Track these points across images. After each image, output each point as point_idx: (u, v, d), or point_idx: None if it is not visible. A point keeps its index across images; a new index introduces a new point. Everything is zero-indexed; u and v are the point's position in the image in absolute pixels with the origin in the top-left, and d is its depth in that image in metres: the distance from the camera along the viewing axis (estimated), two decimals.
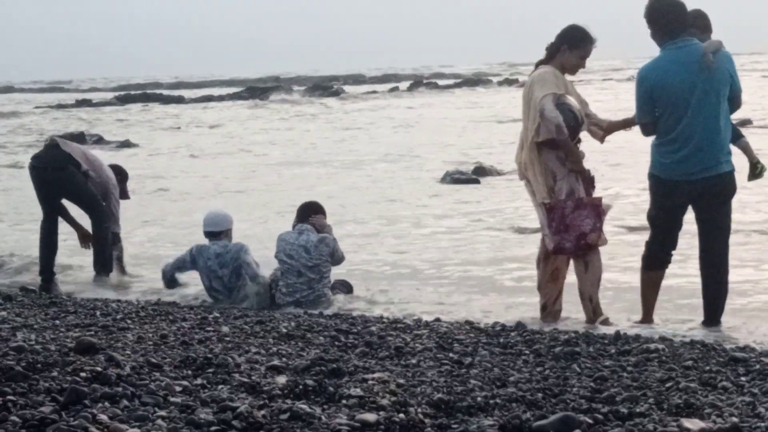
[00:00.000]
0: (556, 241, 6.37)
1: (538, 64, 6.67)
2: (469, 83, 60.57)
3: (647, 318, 6.55)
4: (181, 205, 15.34)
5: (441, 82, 63.54)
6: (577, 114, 6.49)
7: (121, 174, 9.34)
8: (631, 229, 9.70)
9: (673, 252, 6.44)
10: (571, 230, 6.34)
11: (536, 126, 6.35)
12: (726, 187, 6.19)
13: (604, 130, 6.69)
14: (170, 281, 8.31)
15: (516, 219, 12.17)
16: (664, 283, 6.65)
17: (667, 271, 6.56)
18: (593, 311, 6.59)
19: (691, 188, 6.15)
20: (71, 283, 9.28)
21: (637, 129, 6.58)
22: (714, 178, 6.13)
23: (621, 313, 7.27)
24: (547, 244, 6.46)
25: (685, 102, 6.06)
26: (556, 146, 6.37)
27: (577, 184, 6.42)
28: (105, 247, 8.92)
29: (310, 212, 7.85)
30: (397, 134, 27.54)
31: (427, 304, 8.10)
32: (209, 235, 8.05)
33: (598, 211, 6.37)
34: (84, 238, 9.14)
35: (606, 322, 6.58)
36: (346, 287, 8.02)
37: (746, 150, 6.59)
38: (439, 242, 11.23)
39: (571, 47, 6.56)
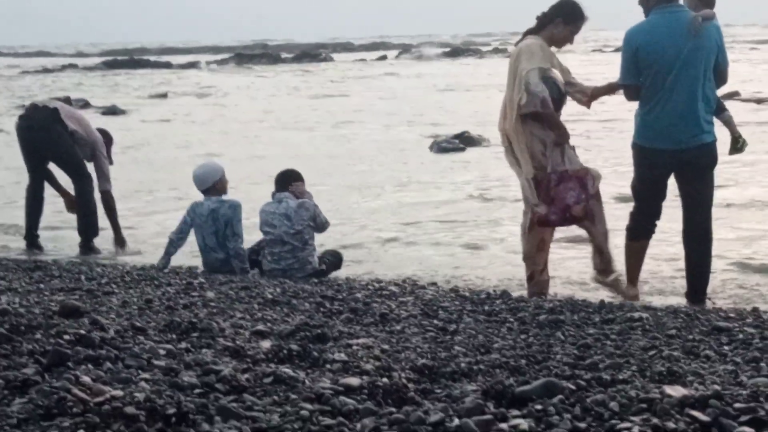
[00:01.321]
0: (542, 213, 6.37)
1: (526, 33, 6.62)
2: (458, 53, 60.38)
3: (632, 287, 6.56)
4: (159, 175, 15.29)
5: (430, 51, 63.30)
6: (561, 88, 6.48)
7: (106, 137, 9.28)
8: (618, 199, 9.70)
9: (657, 222, 6.43)
10: (556, 203, 6.33)
11: (521, 98, 6.32)
12: (707, 157, 6.17)
13: (588, 96, 6.67)
14: (167, 253, 7.95)
15: (501, 188, 12.19)
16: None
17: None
18: (606, 264, 6.55)
19: (673, 158, 6.14)
20: (58, 249, 9.26)
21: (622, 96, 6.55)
22: (696, 148, 6.11)
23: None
24: (534, 216, 6.45)
25: (668, 68, 6.03)
26: (540, 118, 6.35)
27: (563, 156, 6.41)
28: (89, 212, 8.88)
29: (288, 180, 7.76)
30: (384, 102, 27.45)
31: (414, 269, 8.13)
32: (202, 192, 7.91)
33: (582, 182, 6.36)
34: (70, 203, 9.10)
35: (617, 281, 6.54)
36: (335, 257, 7.89)
37: (729, 124, 6.57)
38: (427, 209, 11.23)
39: (566, 21, 6.52)
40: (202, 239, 7.78)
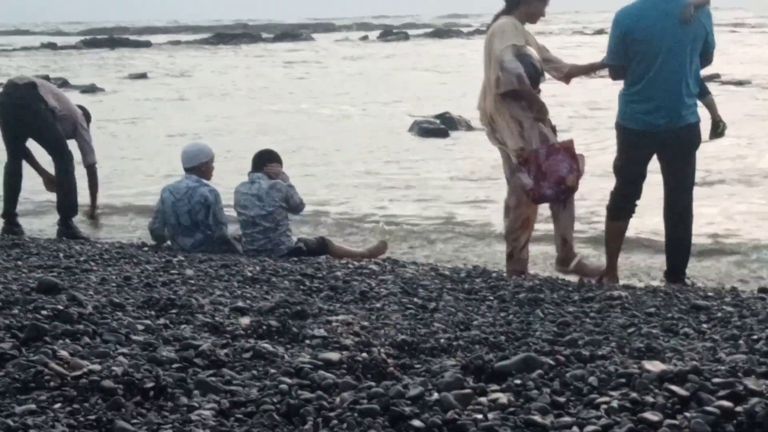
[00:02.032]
0: (536, 190, 6.33)
1: (497, 16, 6.59)
2: (441, 33, 60.27)
3: (611, 267, 6.57)
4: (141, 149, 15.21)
5: (411, 32, 63.19)
6: (537, 65, 6.45)
7: (85, 115, 9.21)
8: (599, 177, 9.72)
9: (637, 202, 6.44)
10: (548, 176, 6.30)
11: (496, 78, 6.30)
12: (690, 138, 6.18)
13: (566, 73, 6.65)
14: (159, 237, 7.91)
15: (484, 168, 12.20)
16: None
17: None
18: (567, 252, 6.58)
19: (656, 138, 6.14)
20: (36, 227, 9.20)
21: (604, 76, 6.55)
22: (679, 129, 6.11)
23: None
24: (527, 194, 6.42)
25: (655, 51, 6.03)
26: (518, 97, 6.33)
27: (546, 130, 6.40)
28: (68, 191, 8.81)
29: (264, 161, 7.69)
30: (366, 83, 27.38)
31: (397, 252, 8.14)
32: (186, 170, 7.80)
33: (571, 152, 6.34)
34: (50, 183, 9.03)
35: (580, 265, 6.58)
36: (318, 243, 7.73)
37: (710, 107, 6.56)
38: (409, 191, 11.24)
39: None
40: (176, 219, 7.63)
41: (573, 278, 6.41)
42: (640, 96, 6.11)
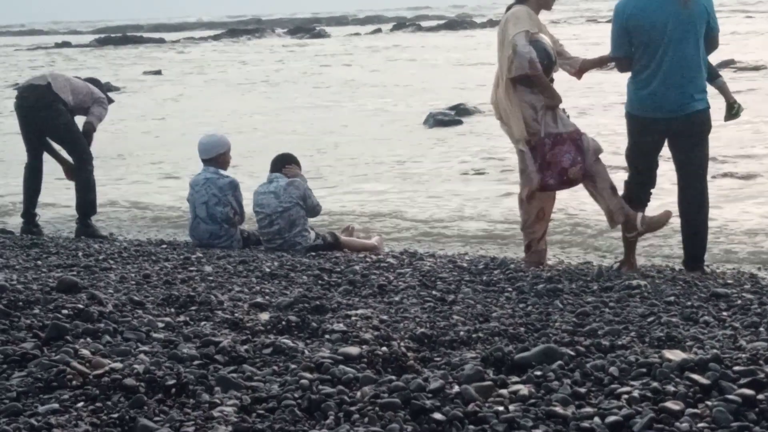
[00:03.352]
0: (540, 178, 6.34)
1: (510, 6, 6.56)
2: (454, 25, 60.11)
3: (630, 257, 6.55)
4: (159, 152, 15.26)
5: (424, 23, 63.05)
6: (550, 52, 6.42)
7: (98, 84, 9.20)
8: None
9: (652, 190, 6.41)
10: (552, 166, 6.31)
11: (509, 62, 6.28)
12: (700, 125, 6.14)
13: (578, 68, 6.62)
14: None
15: (496, 160, 12.17)
16: None
17: None
18: (624, 216, 6.37)
19: (665, 126, 6.11)
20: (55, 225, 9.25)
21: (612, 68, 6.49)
22: (688, 116, 6.07)
23: (605, 252, 7.33)
24: (532, 182, 6.41)
25: (659, 38, 6.01)
26: (530, 83, 6.31)
27: (554, 119, 6.37)
28: (88, 190, 8.82)
29: (283, 163, 7.74)
30: (380, 75, 27.35)
31: (412, 242, 8.14)
32: (203, 162, 7.87)
33: (577, 144, 6.33)
34: (69, 171, 9.03)
35: (646, 221, 6.29)
36: (331, 236, 7.75)
37: (723, 90, 6.52)
38: (426, 183, 11.23)
39: None
40: (194, 209, 7.73)
41: (595, 261, 6.39)
42: (645, 83, 6.09)
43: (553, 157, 6.28)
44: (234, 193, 7.71)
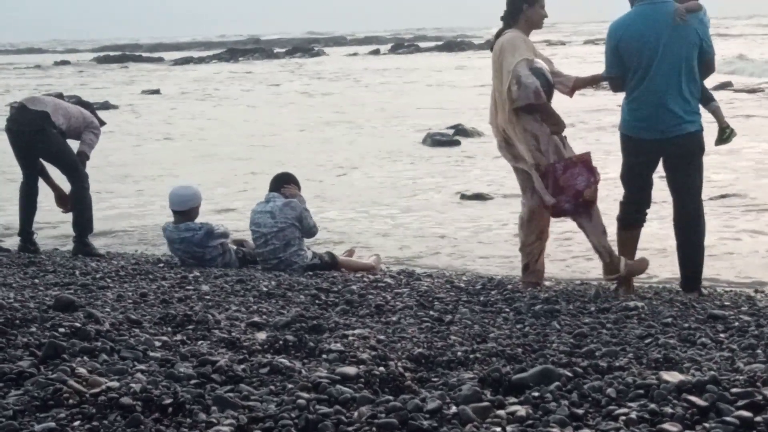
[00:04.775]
0: (555, 204, 6.29)
1: (500, 33, 6.54)
2: (451, 46, 60.32)
3: (627, 278, 6.54)
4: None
5: (422, 44, 63.27)
6: (548, 77, 6.43)
7: (89, 108, 9.19)
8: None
9: (647, 210, 6.41)
10: (566, 191, 6.26)
11: (512, 93, 6.25)
12: (691, 146, 6.14)
13: (571, 86, 6.63)
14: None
15: (496, 184, 12.18)
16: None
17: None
18: (609, 257, 6.40)
19: (657, 147, 6.13)
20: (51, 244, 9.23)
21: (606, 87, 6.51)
22: (678, 137, 6.09)
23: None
24: (547, 209, 6.37)
25: (650, 59, 6.04)
26: (532, 110, 6.30)
27: (561, 144, 6.36)
28: (84, 208, 8.81)
29: (281, 183, 7.73)
30: (375, 95, 27.42)
31: (409, 262, 8.14)
32: (174, 213, 7.81)
33: (589, 165, 6.31)
34: (60, 199, 9.02)
35: (628, 267, 6.36)
36: (331, 257, 7.74)
37: (716, 114, 6.54)
38: (423, 203, 11.24)
39: (530, 2, 6.46)
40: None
41: (589, 288, 6.39)
42: (637, 104, 6.12)
43: (566, 182, 6.23)
44: (212, 238, 7.65)
